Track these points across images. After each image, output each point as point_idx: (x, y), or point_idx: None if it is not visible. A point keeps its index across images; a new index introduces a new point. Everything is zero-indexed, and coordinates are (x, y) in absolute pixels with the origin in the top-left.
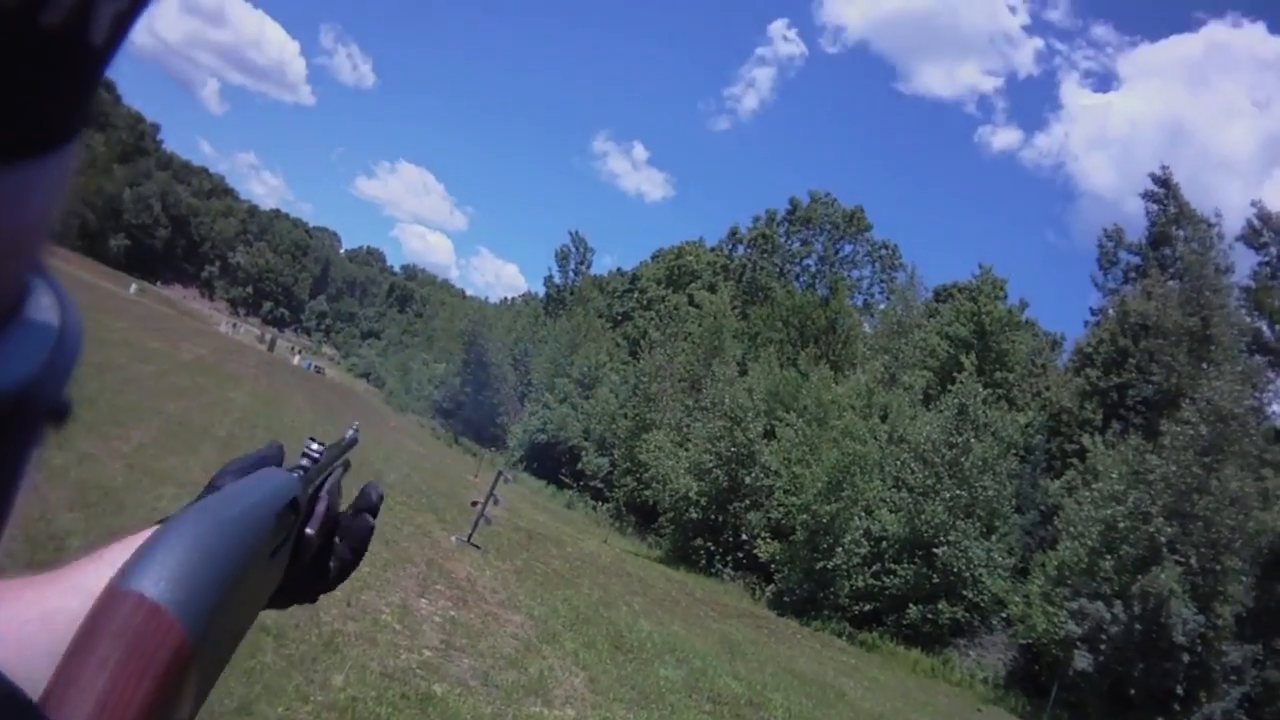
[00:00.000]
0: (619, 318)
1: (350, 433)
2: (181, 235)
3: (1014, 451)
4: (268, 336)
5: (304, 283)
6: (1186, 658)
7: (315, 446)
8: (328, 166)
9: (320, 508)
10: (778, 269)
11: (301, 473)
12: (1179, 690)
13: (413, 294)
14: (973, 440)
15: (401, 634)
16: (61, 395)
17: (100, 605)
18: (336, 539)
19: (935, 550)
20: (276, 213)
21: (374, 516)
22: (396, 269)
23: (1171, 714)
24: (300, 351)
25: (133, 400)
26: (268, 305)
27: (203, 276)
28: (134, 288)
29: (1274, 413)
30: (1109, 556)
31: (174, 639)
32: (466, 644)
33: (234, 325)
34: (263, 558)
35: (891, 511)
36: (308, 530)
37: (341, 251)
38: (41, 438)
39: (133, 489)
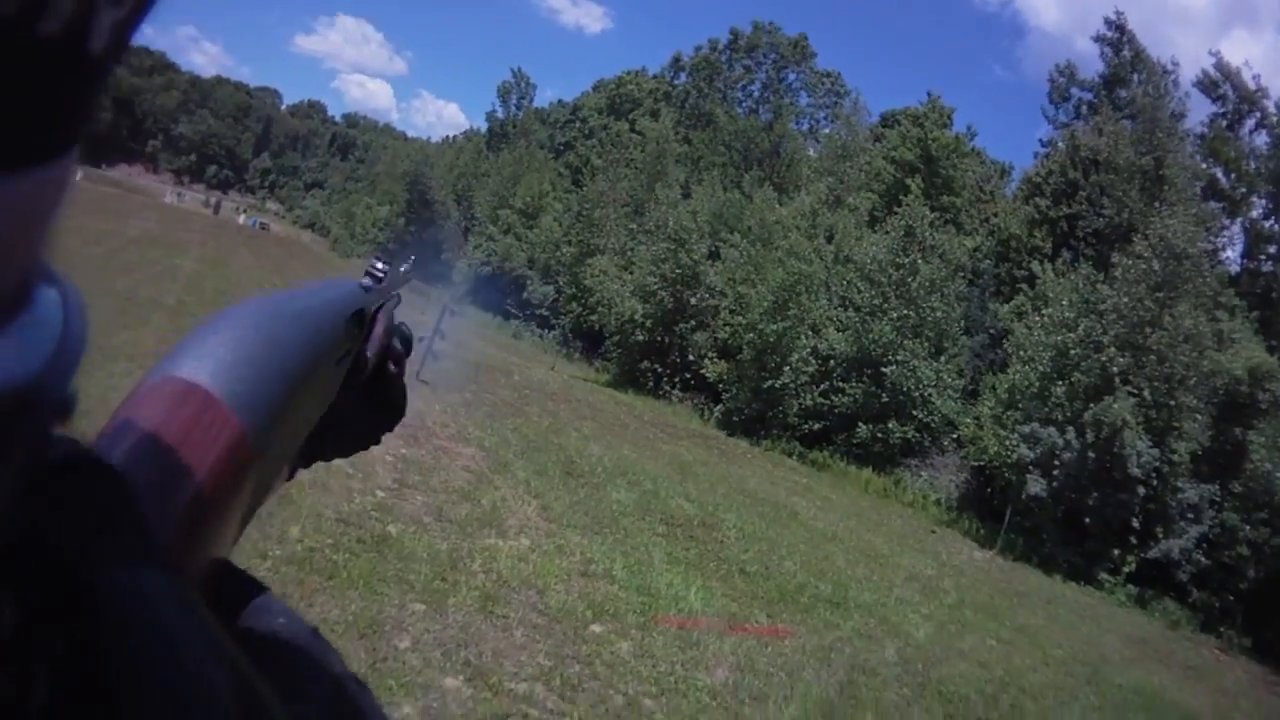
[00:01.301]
0: (561, 148)
1: (406, 266)
2: (125, 115)
3: (962, 274)
4: (213, 200)
5: (247, 143)
6: (1142, 491)
7: (380, 265)
8: (266, 29)
9: (378, 329)
10: (721, 95)
11: (368, 287)
12: (1135, 524)
13: (355, 141)
14: (920, 261)
15: (354, 477)
16: (66, 391)
17: (137, 393)
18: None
19: (884, 369)
20: (218, 79)
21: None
22: (338, 119)
23: (1128, 547)
24: (245, 211)
25: (81, 284)
26: (211, 170)
27: (147, 152)
28: (78, 176)
29: (1228, 258)
30: (1061, 383)
31: (230, 434)
32: (419, 481)
33: (179, 194)
34: (329, 362)
35: (839, 330)
36: (367, 353)
37: (283, 108)
38: (46, 433)
39: (81, 369)
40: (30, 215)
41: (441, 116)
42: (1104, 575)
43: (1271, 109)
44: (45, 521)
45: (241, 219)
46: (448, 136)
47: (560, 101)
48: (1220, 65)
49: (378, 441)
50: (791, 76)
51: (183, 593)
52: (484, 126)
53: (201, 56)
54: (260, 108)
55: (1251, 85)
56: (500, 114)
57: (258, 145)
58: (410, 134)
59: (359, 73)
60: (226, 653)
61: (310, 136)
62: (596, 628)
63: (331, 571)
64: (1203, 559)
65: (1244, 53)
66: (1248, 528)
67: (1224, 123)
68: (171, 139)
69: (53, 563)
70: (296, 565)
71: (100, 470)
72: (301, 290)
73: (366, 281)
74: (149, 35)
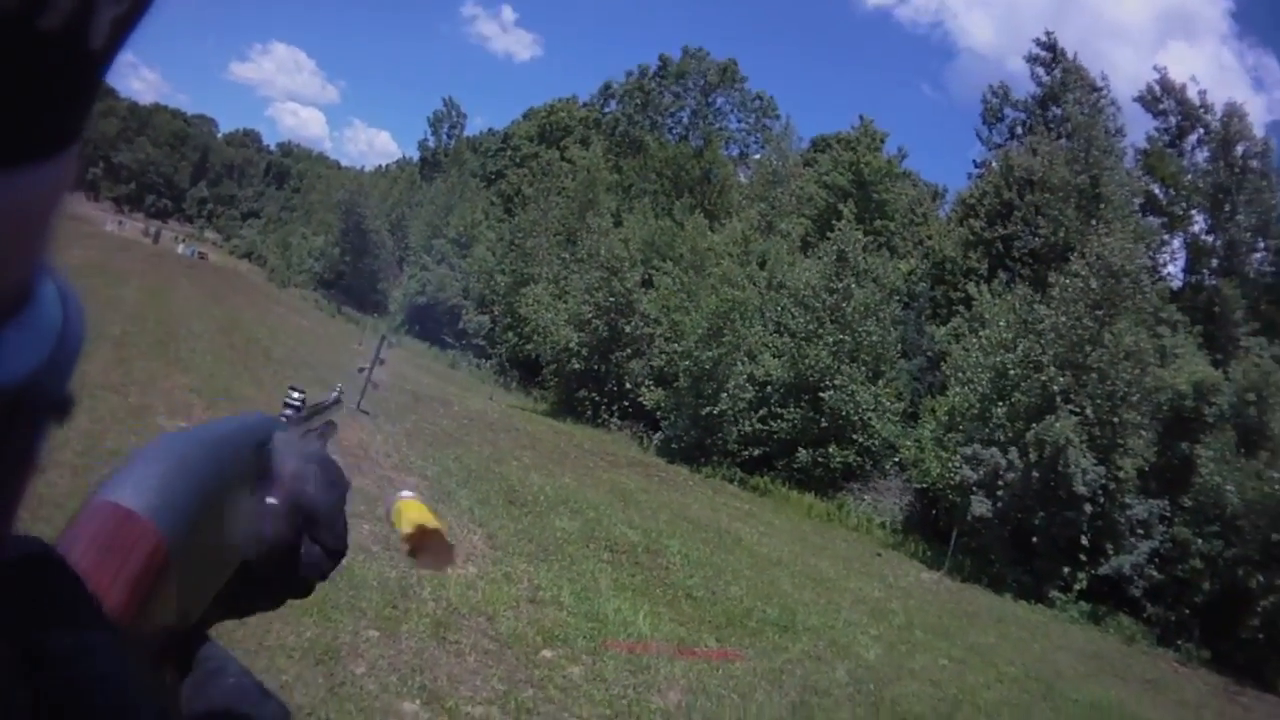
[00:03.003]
0: (493, 176)
1: (333, 393)
2: None
3: (897, 298)
4: (152, 230)
5: (184, 171)
6: (1089, 508)
7: (296, 396)
8: (202, 55)
9: (286, 468)
10: (651, 123)
11: (284, 419)
12: (1084, 541)
13: (289, 170)
14: (854, 286)
15: None
16: (64, 391)
17: (78, 517)
18: (307, 530)
19: (821, 394)
20: (156, 106)
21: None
22: (273, 148)
23: (1078, 564)
24: (184, 240)
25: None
26: (150, 198)
27: (87, 179)
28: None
29: (1169, 274)
30: (1001, 403)
31: (149, 542)
32: (365, 509)
33: (119, 223)
34: (242, 486)
35: (775, 356)
36: (268, 498)
37: (219, 136)
38: (45, 432)
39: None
40: (30, 213)
41: (373, 145)
42: (1055, 593)
43: (1214, 124)
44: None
45: (180, 248)
46: (381, 165)
47: (491, 130)
48: (1164, 81)
49: (309, 591)
50: (721, 100)
51: (128, 652)
52: (416, 155)
53: (140, 83)
54: (197, 136)
55: (1196, 100)
56: (432, 143)
57: (195, 174)
58: (344, 162)
59: (292, 100)
60: (169, 708)
61: (245, 165)
62: (547, 653)
63: None
64: (1156, 574)
65: (1183, 65)
66: (1200, 541)
67: (1166, 138)
68: (112, 167)
69: (4, 625)
70: None
71: (49, 556)
72: (215, 422)
73: (284, 414)
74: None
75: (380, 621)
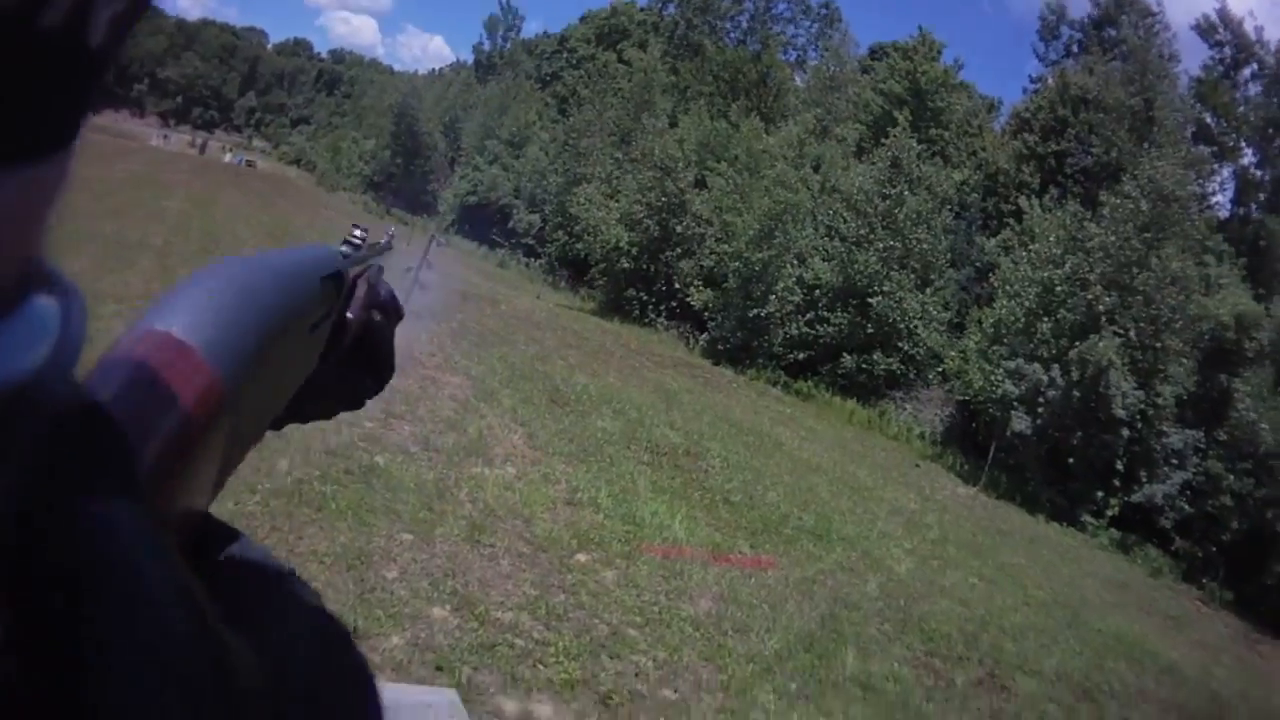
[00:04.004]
0: (548, 79)
1: (387, 236)
2: None
3: (949, 207)
4: (199, 141)
5: (233, 83)
6: (1126, 433)
7: (358, 233)
8: None
9: (361, 292)
10: (710, 26)
11: (346, 253)
12: (1119, 466)
13: (341, 77)
14: (907, 193)
15: None
16: (65, 388)
17: (121, 342)
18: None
19: (869, 300)
20: (203, 21)
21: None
22: (324, 56)
23: (1111, 489)
24: (231, 149)
25: (68, 230)
26: (197, 111)
27: (132, 96)
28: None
29: (1217, 203)
30: (1046, 319)
31: (203, 379)
32: (406, 410)
33: (165, 136)
34: (304, 323)
35: (825, 260)
36: (348, 314)
37: (269, 47)
38: (43, 431)
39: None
40: (28, 211)
41: (427, 50)
42: (1087, 517)
43: (1269, 59)
44: (32, 452)
45: (228, 157)
46: (435, 69)
47: (547, 33)
48: (1222, 12)
49: (360, 405)
50: (782, 6)
51: (157, 530)
52: (471, 59)
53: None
54: (246, 48)
55: (1252, 35)
56: (487, 46)
57: (243, 85)
58: (397, 68)
59: (344, 9)
60: (194, 592)
61: (296, 74)
62: (582, 557)
63: (320, 503)
64: (1186, 506)
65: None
66: (1231, 477)
67: (1220, 69)
68: (158, 82)
69: (33, 492)
70: (285, 498)
71: (88, 407)
72: (279, 252)
73: (345, 248)
74: None
75: (415, 525)
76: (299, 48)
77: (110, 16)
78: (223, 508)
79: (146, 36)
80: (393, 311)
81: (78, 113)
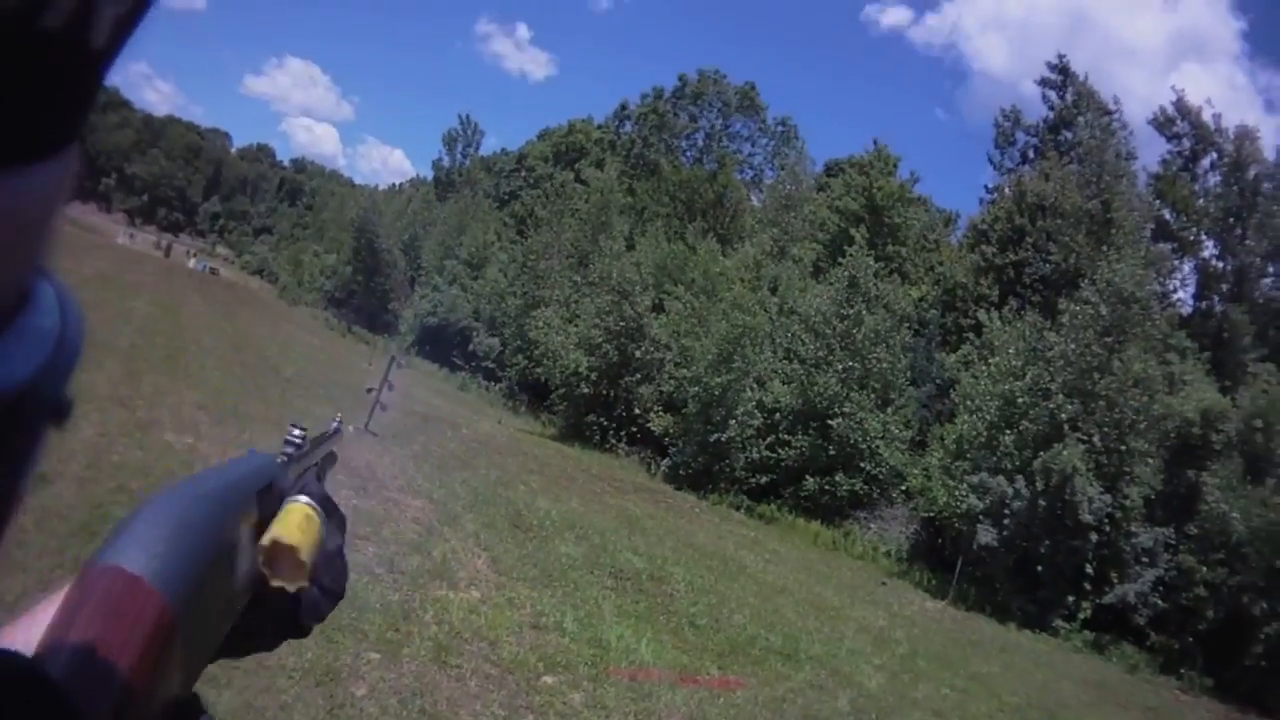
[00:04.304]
0: (506, 197)
1: (333, 424)
2: (80, 152)
3: (908, 324)
4: (164, 243)
5: (197, 185)
6: (1095, 537)
7: (297, 433)
8: (218, 68)
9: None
10: (666, 145)
11: (284, 459)
12: (1089, 570)
13: (302, 186)
14: (864, 312)
15: None
16: (62, 395)
17: (79, 582)
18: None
19: (830, 421)
20: (170, 118)
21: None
22: (286, 163)
23: (1082, 592)
24: (195, 255)
25: None
26: (162, 211)
27: (99, 190)
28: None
29: (1179, 299)
30: (1009, 431)
31: (155, 607)
32: (369, 531)
33: (131, 235)
34: (244, 537)
35: (784, 383)
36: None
37: (233, 150)
38: (43, 437)
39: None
40: (29, 213)
41: (387, 163)
42: (1059, 622)
43: (1228, 147)
44: None
45: (191, 263)
46: (394, 184)
47: (505, 150)
48: (1179, 103)
49: (274, 646)
50: (739, 125)
51: None
52: (429, 174)
53: (154, 94)
54: (211, 149)
55: (1211, 124)
56: (446, 162)
57: (208, 188)
58: (357, 180)
59: (306, 116)
60: None
61: (259, 180)
62: (549, 679)
63: None
64: (1160, 602)
65: (1196, 87)
66: (1204, 569)
67: (1179, 162)
68: (125, 178)
69: None
70: None
71: (32, 674)
72: (214, 469)
73: (288, 450)
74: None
75: (382, 644)
76: (261, 154)
77: (113, 18)
78: None
79: (115, 129)
80: (337, 524)
81: (80, 114)
